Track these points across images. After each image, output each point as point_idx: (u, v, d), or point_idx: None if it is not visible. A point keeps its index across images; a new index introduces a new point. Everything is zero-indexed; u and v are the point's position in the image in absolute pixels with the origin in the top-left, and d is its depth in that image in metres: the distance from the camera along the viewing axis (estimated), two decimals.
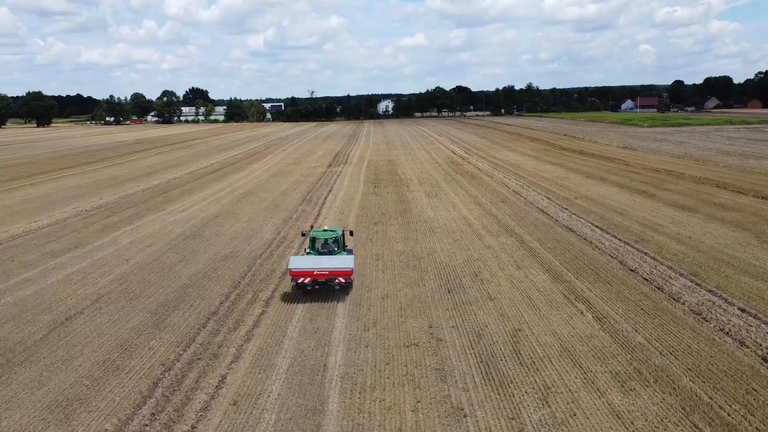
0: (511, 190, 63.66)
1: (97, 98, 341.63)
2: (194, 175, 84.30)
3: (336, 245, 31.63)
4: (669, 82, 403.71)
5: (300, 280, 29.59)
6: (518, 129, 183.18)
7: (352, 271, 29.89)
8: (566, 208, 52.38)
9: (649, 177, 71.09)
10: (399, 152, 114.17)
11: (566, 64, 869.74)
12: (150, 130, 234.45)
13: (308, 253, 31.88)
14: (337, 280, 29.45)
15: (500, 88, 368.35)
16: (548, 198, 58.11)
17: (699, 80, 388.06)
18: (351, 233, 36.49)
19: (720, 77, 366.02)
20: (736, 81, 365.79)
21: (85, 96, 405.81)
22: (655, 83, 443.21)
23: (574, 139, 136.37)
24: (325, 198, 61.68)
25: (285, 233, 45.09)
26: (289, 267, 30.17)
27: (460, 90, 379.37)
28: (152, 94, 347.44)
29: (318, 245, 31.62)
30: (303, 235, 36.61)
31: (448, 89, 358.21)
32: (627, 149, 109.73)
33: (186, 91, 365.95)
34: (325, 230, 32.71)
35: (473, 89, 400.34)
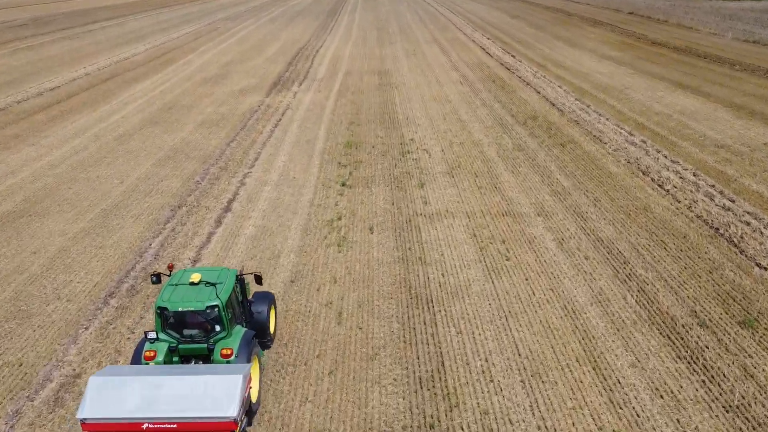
0: (710, 226, 23.96)
1: None
2: None
3: (219, 326, 13.89)
4: None
5: None
6: (554, 1, 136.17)
7: (235, 423, 12.19)
8: None
9: None
10: (397, 50, 71.41)
11: None
12: None
13: (152, 342, 13.72)
14: None
15: None
16: None
17: None
18: (259, 279, 16.02)
19: None
20: None
21: None
22: None
23: (651, 23, 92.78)
24: (201, 248, 22.35)
25: None
26: (78, 416, 12.25)
27: None
28: None
29: (174, 325, 13.88)
30: (155, 281, 15.41)
31: None
32: (760, 46, 67.64)
33: None
34: (193, 283, 14.12)
35: None
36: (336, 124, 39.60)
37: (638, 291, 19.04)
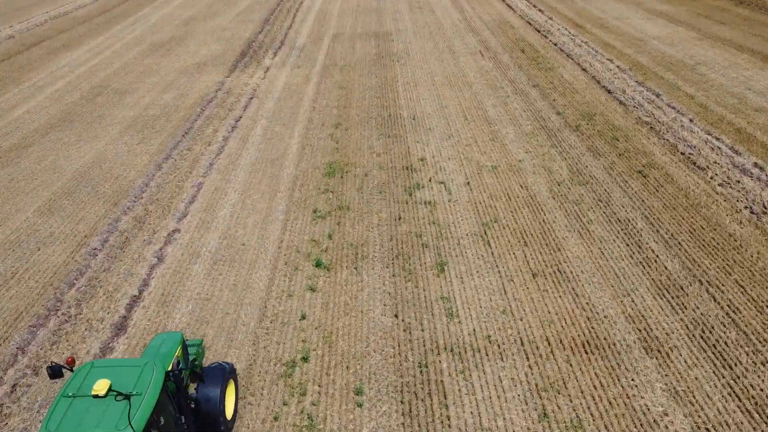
0: None
1: None
2: None
3: None
4: None
5: None
6: None
7: None
8: None
9: None
10: (401, 3, 58.71)
11: None
12: None
13: None
14: None
15: None
16: None
17: None
18: (200, 376, 12.02)
19: None
20: None
21: None
22: None
23: None
24: None
25: None
26: None
27: None
28: None
29: None
30: (54, 372, 10.29)
31: None
32: None
33: None
34: (98, 396, 9.51)
35: None
36: (316, 126, 28.60)
37: None
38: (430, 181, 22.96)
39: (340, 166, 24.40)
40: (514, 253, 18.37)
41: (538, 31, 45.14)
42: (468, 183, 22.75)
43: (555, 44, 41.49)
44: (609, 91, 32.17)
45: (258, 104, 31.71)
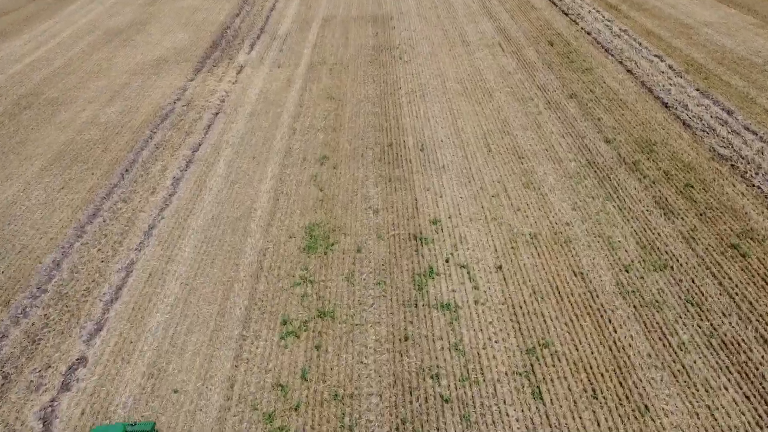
0: None
1: None
2: None
3: None
4: None
5: None
6: None
7: None
8: None
9: None
10: None
11: None
12: None
13: None
14: None
15: None
16: None
17: None
18: None
19: None
20: None
21: None
22: None
23: None
24: None
25: None
26: None
27: None
28: None
29: None
30: None
31: None
32: None
33: None
34: None
35: None
36: (295, 161, 22.02)
37: None
38: (447, 262, 16.58)
39: (324, 232, 17.96)
40: (579, 416, 12.15)
41: (566, 14, 37.93)
42: (500, 267, 16.36)
43: (588, 33, 34.42)
44: (666, 106, 25.45)
45: (225, 123, 25.03)
